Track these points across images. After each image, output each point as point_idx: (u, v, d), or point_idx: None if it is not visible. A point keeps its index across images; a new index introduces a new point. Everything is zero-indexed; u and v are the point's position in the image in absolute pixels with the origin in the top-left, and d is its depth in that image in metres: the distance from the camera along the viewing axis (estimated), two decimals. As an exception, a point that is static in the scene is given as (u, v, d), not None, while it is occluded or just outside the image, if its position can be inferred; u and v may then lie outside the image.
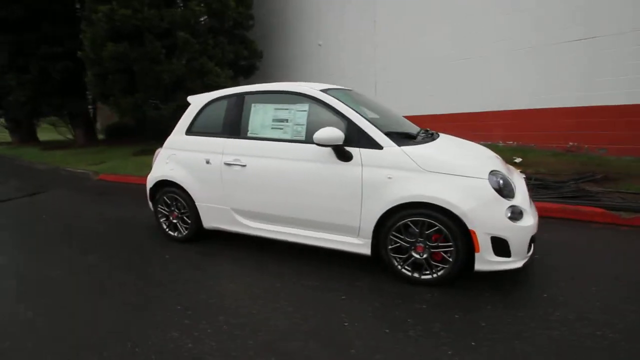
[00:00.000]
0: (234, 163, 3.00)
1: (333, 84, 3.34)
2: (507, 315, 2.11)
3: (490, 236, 2.25)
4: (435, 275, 2.43)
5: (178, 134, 3.45)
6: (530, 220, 2.33)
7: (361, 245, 2.65)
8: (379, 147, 2.50)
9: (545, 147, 6.10)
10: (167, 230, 3.59)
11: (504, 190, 2.33)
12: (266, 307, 2.32)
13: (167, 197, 3.49)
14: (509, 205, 2.29)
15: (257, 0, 9.79)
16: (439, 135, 2.99)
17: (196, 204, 3.29)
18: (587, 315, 2.08)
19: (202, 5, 7.69)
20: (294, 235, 2.91)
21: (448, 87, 7.29)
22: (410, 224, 2.42)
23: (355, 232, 2.64)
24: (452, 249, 2.34)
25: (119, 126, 14.67)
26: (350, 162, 2.55)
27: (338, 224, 2.69)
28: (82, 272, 2.99)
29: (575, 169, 5.10)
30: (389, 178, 2.44)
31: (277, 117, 2.91)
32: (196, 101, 3.41)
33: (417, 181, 2.37)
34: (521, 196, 2.43)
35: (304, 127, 2.78)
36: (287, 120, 2.87)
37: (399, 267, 2.52)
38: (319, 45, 9.48)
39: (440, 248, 2.38)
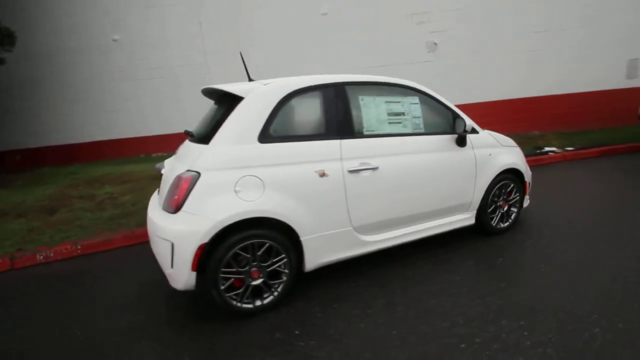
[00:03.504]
0: (362, 168, 2.42)
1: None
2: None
3: (528, 183, 3.44)
4: (511, 220, 3.34)
5: (240, 143, 2.17)
6: None
7: (468, 218, 3.08)
8: (476, 132, 3.04)
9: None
10: (239, 304, 2.17)
11: None
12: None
13: (241, 250, 2.11)
14: None
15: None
16: None
17: (301, 239, 2.28)
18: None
19: None
20: (412, 233, 2.80)
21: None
22: (502, 187, 3.18)
23: (466, 207, 3.04)
24: (518, 198, 3.34)
25: None
26: (465, 147, 2.91)
27: (456, 204, 2.96)
28: None
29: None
30: (490, 155, 3.06)
31: (392, 110, 2.66)
32: (261, 92, 2.29)
33: (503, 154, 3.17)
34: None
35: (421, 119, 2.78)
36: (403, 114, 2.71)
37: (494, 223, 3.22)
38: (114, 40, 7.18)
39: (511, 200, 3.32)
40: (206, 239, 2.00)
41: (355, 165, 2.41)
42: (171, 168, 2.40)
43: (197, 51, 7.45)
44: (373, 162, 2.47)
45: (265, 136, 2.22)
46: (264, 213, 2.12)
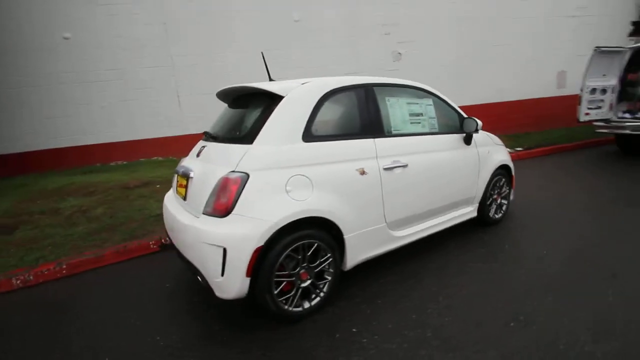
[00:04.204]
0: (394, 165, 2.51)
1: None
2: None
3: (514, 177, 3.83)
4: (503, 211, 3.67)
5: (286, 142, 2.12)
6: None
7: (472, 211, 3.33)
8: (477, 131, 3.30)
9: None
10: (290, 308, 2.10)
11: None
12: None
13: (292, 251, 2.06)
14: None
15: None
16: None
17: (345, 237, 2.28)
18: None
19: None
20: (431, 227, 2.94)
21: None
22: (496, 182, 3.49)
23: (472, 201, 3.29)
24: (507, 191, 3.69)
25: None
26: (471, 145, 3.16)
27: (464, 198, 3.19)
28: None
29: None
30: (488, 152, 3.36)
31: (413, 111, 2.80)
32: (302, 91, 2.26)
33: (497, 152, 3.49)
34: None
35: (435, 119, 2.95)
36: (421, 114, 2.85)
37: (491, 214, 3.51)
38: (65, 38, 6.44)
39: (503, 193, 3.65)
40: (262, 242, 1.92)
41: (388, 163, 2.48)
42: (203, 171, 2.24)
43: (163, 53, 6.97)
44: (403, 160, 2.57)
45: (308, 135, 2.20)
46: (315, 212, 2.09)
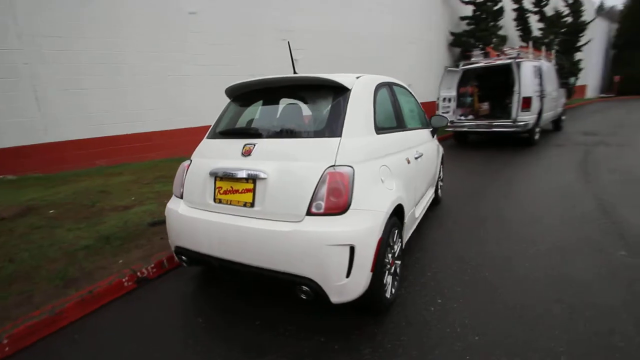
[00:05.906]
0: (418, 155, 2.87)
1: None
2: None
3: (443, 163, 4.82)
4: (440, 191, 4.57)
5: (364, 134, 2.14)
6: None
7: (433, 193, 4.04)
8: (446, 126, 4.00)
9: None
10: (388, 296, 2.13)
11: None
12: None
13: (389, 239, 2.10)
14: None
15: None
16: None
17: (404, 222, 2.47)
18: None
19: None
20: (423, 208, 3.42)
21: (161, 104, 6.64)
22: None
23: (434, 184, 3.99)
24: (442, 175, 4.62)
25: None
26: (434, 138, 3.84)
27: (433, 182, 3.85)
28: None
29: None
30: (437, 145, 4.14)
31: (409, 108, 3.20)
32: (364, 83, 2.29)
33: (439, 145, 4.32)
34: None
35: (418, 115, 3.45)
36: (413, 111, 3.29)
37: (439, 193, 4.34)
38: None
39: (441, 177, 4.55)
40: (382, 233, 1.90)
41: (414, 153, 2.81)
42: (284, 170, 1.94)
43: (9, 31, 4.97)
44: (420, 150, 2.95)
45: (376, 127, 2.27)
46: (400, 200, 2.19)
